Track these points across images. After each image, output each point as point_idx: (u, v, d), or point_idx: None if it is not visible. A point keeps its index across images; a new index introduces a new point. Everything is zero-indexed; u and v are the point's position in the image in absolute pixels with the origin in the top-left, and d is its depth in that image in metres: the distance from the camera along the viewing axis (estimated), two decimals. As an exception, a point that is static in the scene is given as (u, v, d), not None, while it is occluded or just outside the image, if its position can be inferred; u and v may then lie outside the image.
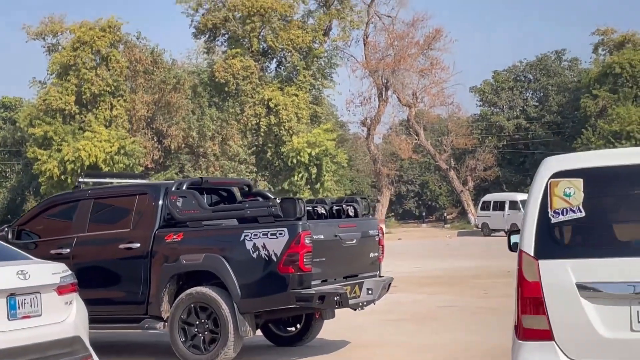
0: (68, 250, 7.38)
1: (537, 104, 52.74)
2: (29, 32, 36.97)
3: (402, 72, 43.76)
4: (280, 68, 41.37)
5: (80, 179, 8.77)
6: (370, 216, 8.78)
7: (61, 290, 5.14)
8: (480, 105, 54.36)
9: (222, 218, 7.23)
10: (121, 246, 7.16)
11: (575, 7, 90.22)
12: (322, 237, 6.62)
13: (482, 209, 39.16)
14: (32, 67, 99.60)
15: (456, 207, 51.81)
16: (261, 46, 39.45)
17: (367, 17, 43.07)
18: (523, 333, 3.91)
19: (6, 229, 8.02)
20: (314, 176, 37.41)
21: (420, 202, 58.64)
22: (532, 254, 3.83)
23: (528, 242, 3.91)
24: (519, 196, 35.96)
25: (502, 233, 33.52)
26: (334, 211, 7.61)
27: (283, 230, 6.36)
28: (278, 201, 6.85)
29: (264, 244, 6.41)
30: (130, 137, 35.17)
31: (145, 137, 36.68)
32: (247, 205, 7.16)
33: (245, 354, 7.43)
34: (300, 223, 6.42)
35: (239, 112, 37.38)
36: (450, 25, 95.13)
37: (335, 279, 6.97)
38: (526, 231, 3.97)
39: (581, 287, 3.70)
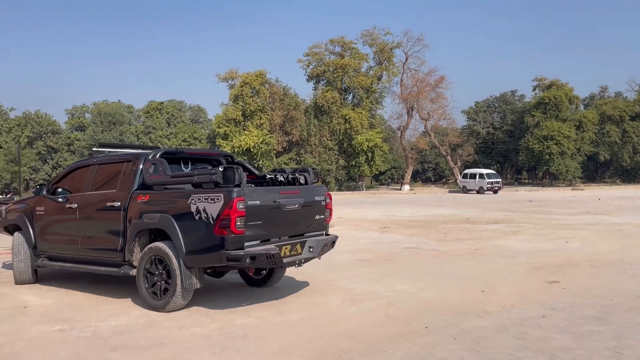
0: (76, 205, 7.31)
1: (499, 120, 68.50)
2: (219, 77, 52.46)
3: (421, 101, 55.49)
4: (353, 98, 54.06)
5: (94, 148, 8.33)
6: (319, 184, 7.91)
7: None
8: (467, 120, 70.20)
9: (177, 183, 6.67)
10: (108, 204, 6.93)
11: (523, 61, 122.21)
12: (258, 202, 6.15)
13: (463, 177, 47.99)
14: (220, 96, 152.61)
15: (453, 176, 62.07)
16: (343, 85, 52.47)
17: (402, 69, 56.55)
18: None
19: (38, 187, 8.17)
20: (370, 157, 50.30)
21: (434, 173, 75.38)
22: None
23: None
24: (484, 171, 46.50)
25: (474, 192, 44.01)
26: (290, 179, 7.35)
27: (220, 196, 5.92)
28: (221, 169, 6.18)
29: (204, 207, 6.00)
30: (270, 135, 48.28)
31: (278, 134, 50.12)
32: (195, 172, 6.57)
33: (220, 289, 7.47)
34: (235, 190, 5.92)
35: (329, 122, 51.10)
36: (450, 69, 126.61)
37: (279, 238, 6.46)
38: None
39: None
